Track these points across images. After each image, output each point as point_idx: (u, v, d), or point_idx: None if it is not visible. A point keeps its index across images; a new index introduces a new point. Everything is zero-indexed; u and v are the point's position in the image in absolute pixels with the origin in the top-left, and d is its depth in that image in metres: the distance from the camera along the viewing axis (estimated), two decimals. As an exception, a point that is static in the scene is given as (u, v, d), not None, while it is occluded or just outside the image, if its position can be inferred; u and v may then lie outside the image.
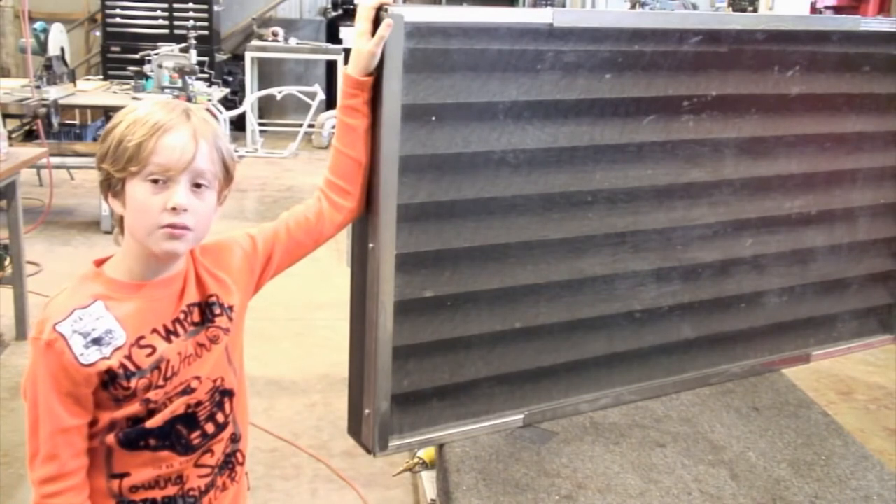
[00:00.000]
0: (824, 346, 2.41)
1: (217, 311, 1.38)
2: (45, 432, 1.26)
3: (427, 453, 2.03)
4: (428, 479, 2.06)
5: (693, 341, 2.17)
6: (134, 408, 1.29)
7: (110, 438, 1.30)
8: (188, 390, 1.33)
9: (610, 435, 2.00)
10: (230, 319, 1.39)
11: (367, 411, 1.77)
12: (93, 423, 1.30)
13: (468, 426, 1.91)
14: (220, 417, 1.39)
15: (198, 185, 1.28)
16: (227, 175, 1.34)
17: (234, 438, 1.44)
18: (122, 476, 1.32)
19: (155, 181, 1.24)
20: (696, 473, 1.87)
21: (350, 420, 1.85)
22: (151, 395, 1.29)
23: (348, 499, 2.85)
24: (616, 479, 1.83)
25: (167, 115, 1.26)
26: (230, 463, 1.44)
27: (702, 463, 1.91)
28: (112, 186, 1.28)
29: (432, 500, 1.99)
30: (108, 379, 1.26)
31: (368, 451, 1.80)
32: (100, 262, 1.34)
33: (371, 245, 1.67)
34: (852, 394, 3.73)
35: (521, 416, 1.97)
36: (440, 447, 1.91)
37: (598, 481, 1.81)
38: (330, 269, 4.53)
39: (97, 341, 1.25)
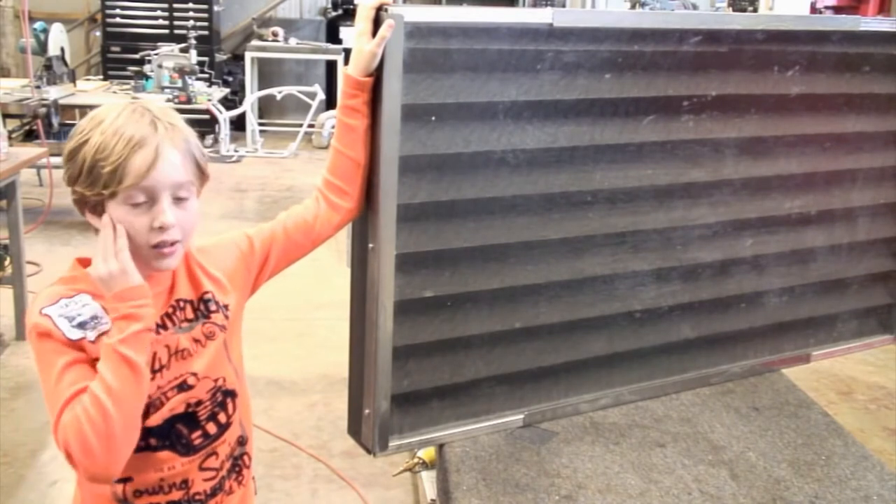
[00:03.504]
0: (824, 346, 2.41)
1: (213, 307, 1.37)
2: (68, 392, 1.18)
3: (427, 453, 2.03)
4: (428, 479, 2.06)
5: (693, 341, 2.17)
6: None
7: None
8: (185, 386, 1.32)
9: (610, 435, 2.00)
10: (226, 317, 1.38)
11: (367, 411, 1.77)
12: None
13: (468, 426, 1.91)
14: (222, 418, 1.38)
15: (179, 198, 1.26)
16: (203, 175, 1.32)
17: (241, 441, 1.43)
18: (125, 480, 1.31)
19: (136, 204, 1.22)
20: (696, 473, 1.87)
21: (350, 420, 1.85)
22: None
23: (348, 499, 2.85)
24: (616, 479, 1.83)
25: (135, 129, 1.22)
26: (237, 466, 1.43)
27: (702, 463, 1.91)
28: (90, 205, 1.26)
29: (432, 500, 1.99)
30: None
31: (368, 451, 1.80)
32: (84, 263, 1.31)
33: (371, 245, 1.67)
34: (852, 394, 3.73)
35: (521, 416, 1.97)
36: (440, 447, 1.91)
37: (598, 481, 1.81)
38: (330, 269, 4.54)
39: (82, 325, 1.24)
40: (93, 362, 1.22)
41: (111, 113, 1.25)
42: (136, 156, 1.21)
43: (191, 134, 1.30)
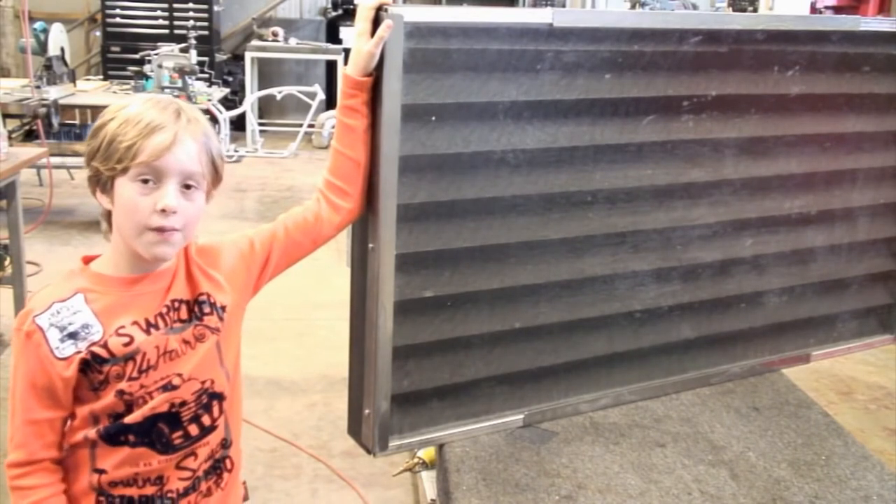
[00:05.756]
0: (824, 346, 2.41)
1: (207, 309, 1.37)
2: (18, 420, 1.30)
3: (427, 453, 2.03)
4: (428, 479, 2.06)
5: (693, 341, 2.16)
6: (110, 399, 1.29)
7: (93, 433, 1.30)
8: (169, 387, 1.32)
9: (610, 435, 2.00)
10: (220, 319, 1.38)
11: (367, 411, 1.77)
12: (73, 418, 1.31)
13: (468, 426, 1.91)
14: (206, 420, 1.37)
15: (187, 186, 1.29)
16: (216, 175, 1.35)
17: (225, 444, 1.42)
18: (100, 472, 1.32)
19: (145, 181, 1.25)
20: (696, 473, 1.87)
21: (350, 420, 1.85)
22: (125, 386, 1.29)
23: (348, 499, 2.85)
24: (616, 479, 1.83)
25: (159, 115, 1.27)
26: (218, 469, 1.42)
27: (702, 463, 1.91)
28: (101, 183, 1.29)
29: (432, 500, 1.99)
30: (84, 364, 1.27)
31: (368, 451, 1.80)
32: (88, 259, 1.35)
33: (371, 245, 1.67)
34: (852, 394, 3.73)
35: (521, 416, 1.97)
36: (440, 447, 1.91)
37: (598, 481, 1.81)
38: (330, 269, 4.53)
39: (73, 335, 1.27)
40: (64, 382, 1.27)
41: (140, 100, 1.31)
42: (155, 136, 1.25)
43: (212, 133, 1.34)
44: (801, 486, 1.84)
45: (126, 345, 1.29)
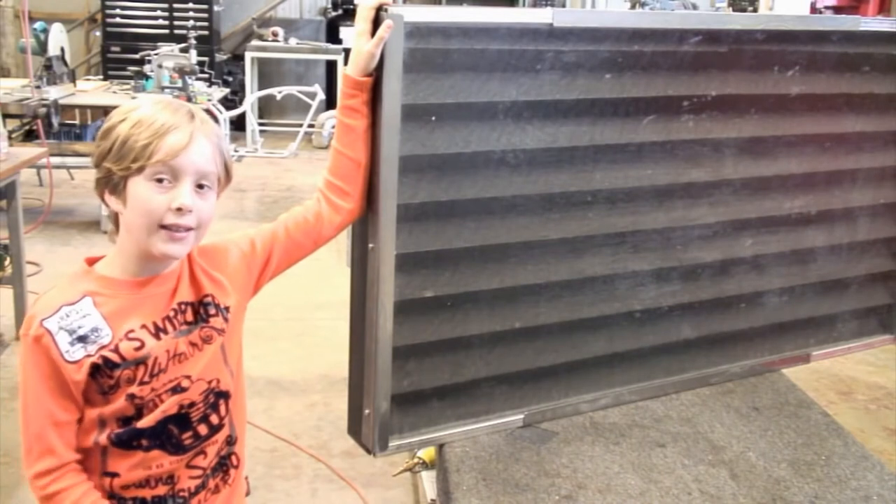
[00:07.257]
0: (824, 346, 2.41)
1: (212, 311, 1.37)
2: (38, 427, 1.27)
3: (427, 453, 2.03)
4: (428, 479, 2.06)
5: (693, 341, 2.16)
6: (120, 402, 1.28)
7: (103, 439, 1.30)
8: (178, 389, 1.32)
9: (610, 435, 2.00)
10: (225, 320, 1.39)
11: (367, 411, 1.77)
12: (80, 421, 1.30)
13: (468, 426, 1.91)
14: (214, 419, 1.38)
15: (200, 186, 1.29)
16: (227, 175, 1.36)
17: (230, 441, 1.43)
18: (112, 475, 1.32)
19: (160, 180, 1.26)
20: (696, 473, 1.87)
21: (350, 420, 1.85)
22: (136, 390, 1.29)
23: (348, 499, 2.85)
24: (616, 479, 1.83)
25: (172, 116, 1.27)
26: (224, 465, 1.43)
27: (702, 463, 1.91)
28: (112, 184, 1.28)
29: (432, 500, 1.99)
30: (94, 369, 1.27)
31: (368, 451, 1.80)
32: (91, 261, 1.35)
33: (371, 245, 1.67)
34: (852, 394, 3.73)
35: (521, 416, 1.97)
36: (440, 447, 1.91)
37: (598, 481, 1.81)
38: (330, 269, 4.53)
39: (83, 339, 1.26)
40: (75, 385, 1.26)
41: (149, 101, 1.31)
42: (171, 135, 1.26)
43: (222, 134, 1.35)
44: (801, 486, 1.84)
45: (137, 349, 1.29)
